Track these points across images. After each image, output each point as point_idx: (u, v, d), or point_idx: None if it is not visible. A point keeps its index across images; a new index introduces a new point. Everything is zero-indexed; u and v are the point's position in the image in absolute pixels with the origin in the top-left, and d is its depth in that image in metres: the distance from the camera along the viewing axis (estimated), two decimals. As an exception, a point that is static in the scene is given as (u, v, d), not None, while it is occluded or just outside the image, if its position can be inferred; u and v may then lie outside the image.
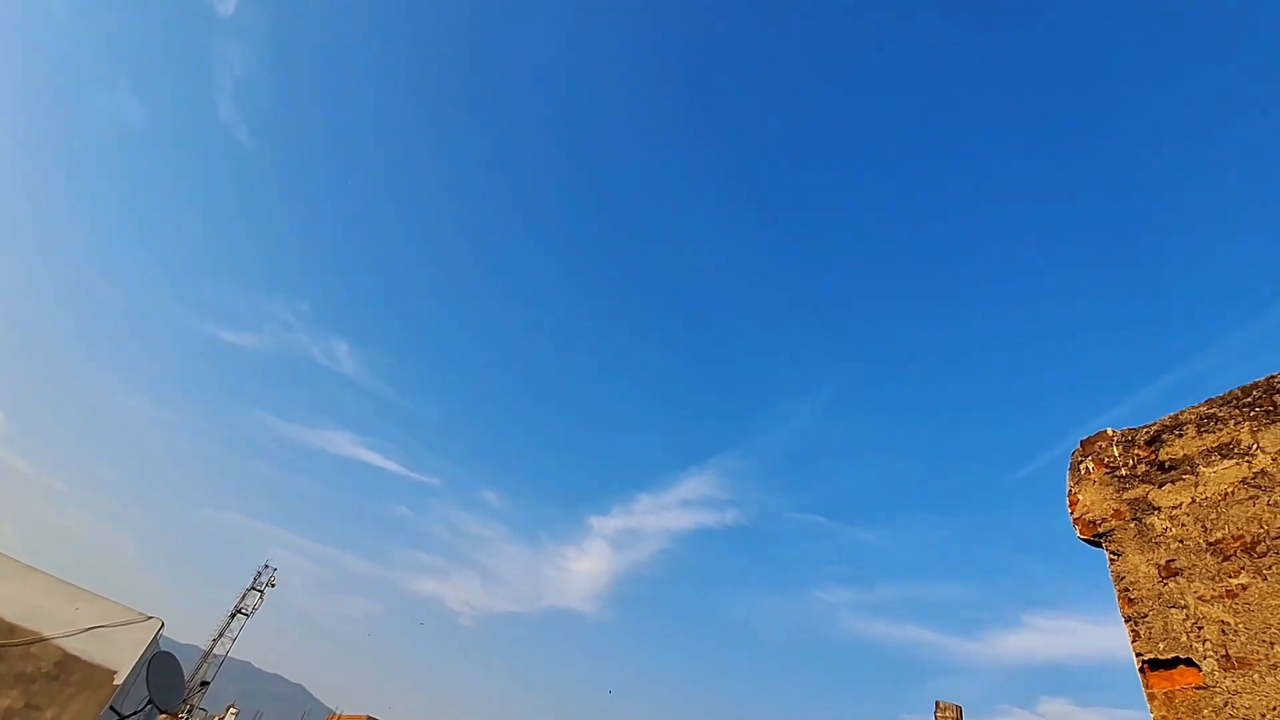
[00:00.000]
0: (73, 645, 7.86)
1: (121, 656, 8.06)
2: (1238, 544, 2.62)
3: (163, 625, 8.49)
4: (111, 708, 7.89)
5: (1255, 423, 2.75)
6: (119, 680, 7.87)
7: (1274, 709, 2.55)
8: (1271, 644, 2.57)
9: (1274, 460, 2.64)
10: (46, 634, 7.75)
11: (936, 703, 3.74)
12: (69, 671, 7.68)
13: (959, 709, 3.71)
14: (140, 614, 8.41)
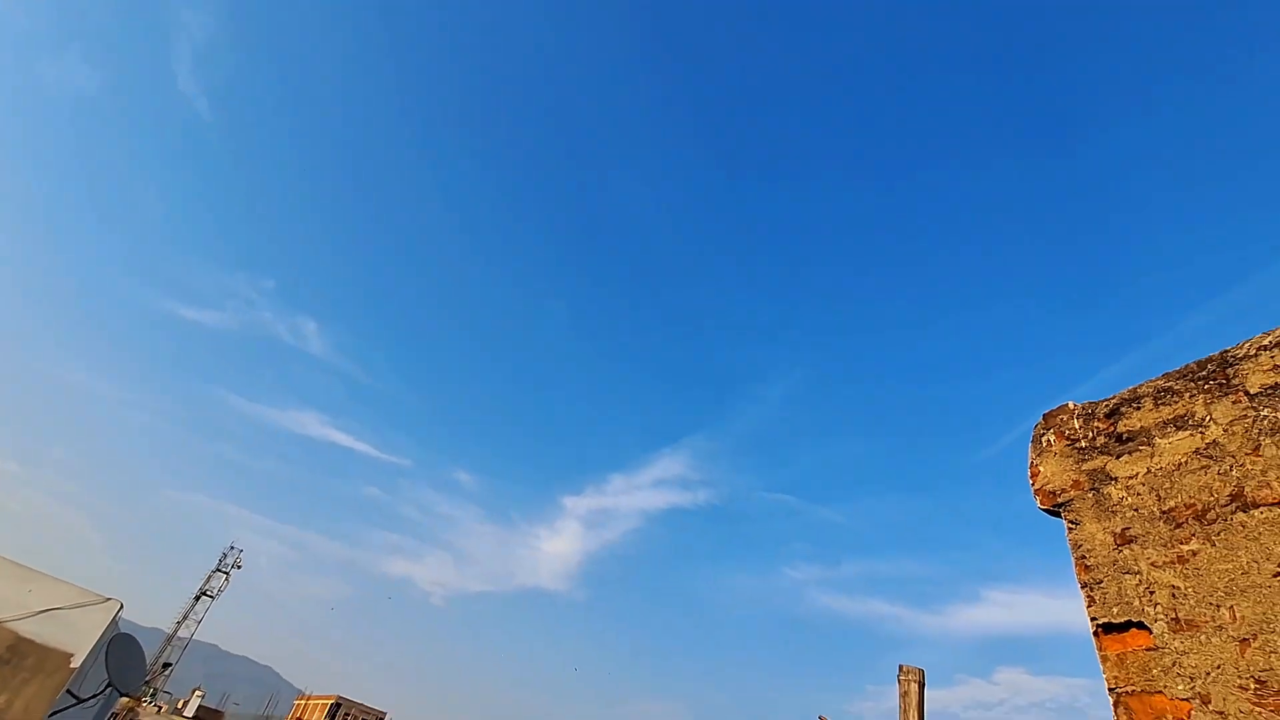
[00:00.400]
0: (26, 628, 7.61)
1: (79, 639, 7.84)
2: (1189, 511, 2.71)
3: (121, 607, 8.27)
4: (69, 691, 7.69)
5: (1209, 395, 2.84)
6: (76, 663, 7.67)
7: (1218, 667, 2.66)
8: (1218, 606, 2.68)
9: (1225, 431, 2.73)
10: (-3, 617, 7.49)
11: (900, 666, 3.83)
12: (23, 655, 7.45)
13: (922, 672, 3.81)
14: (98, 595, 8.18)
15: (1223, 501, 2.67)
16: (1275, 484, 2.67)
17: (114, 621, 8.25)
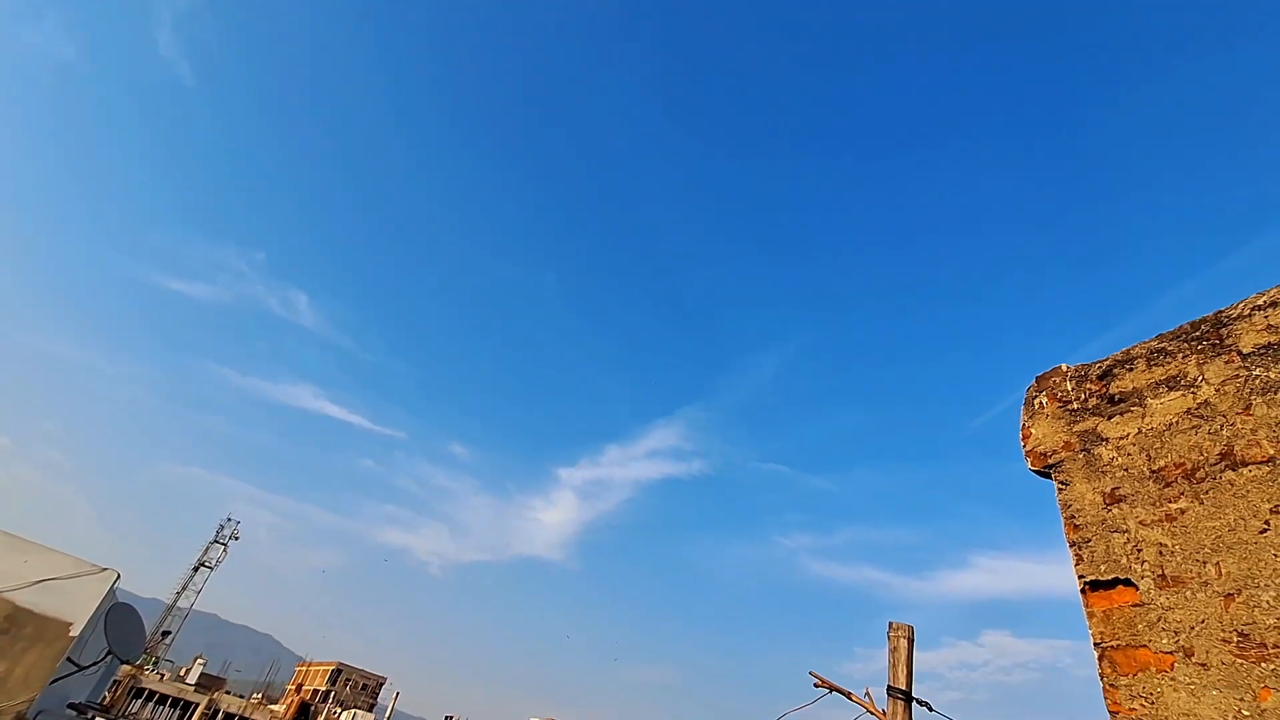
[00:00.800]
0: (23, 598, 7.65)
1: (77, 609, 7.89)
2: (1179, 471, 2.73)
3: (119, 577, 8.31)
4: (69, 659, 7.77)
5: (1201, 356, 2.84)
6: (75, 632, 7.73)
7: (1203, 622, 2.71)
8: (1204, 563, 2.72)
9: (1217, 391, 2.73)
10: (-6, 588, 7.52)
11: (890, 623, 3.91)
12: (20, 625, 7.50)
13: (911, 628, 3.89)
14: (94, 566, 8.21)
15: (1212, 460, 2.70)
16: (1265, 442, 2.69)
17: (111, 591, 8.30)
